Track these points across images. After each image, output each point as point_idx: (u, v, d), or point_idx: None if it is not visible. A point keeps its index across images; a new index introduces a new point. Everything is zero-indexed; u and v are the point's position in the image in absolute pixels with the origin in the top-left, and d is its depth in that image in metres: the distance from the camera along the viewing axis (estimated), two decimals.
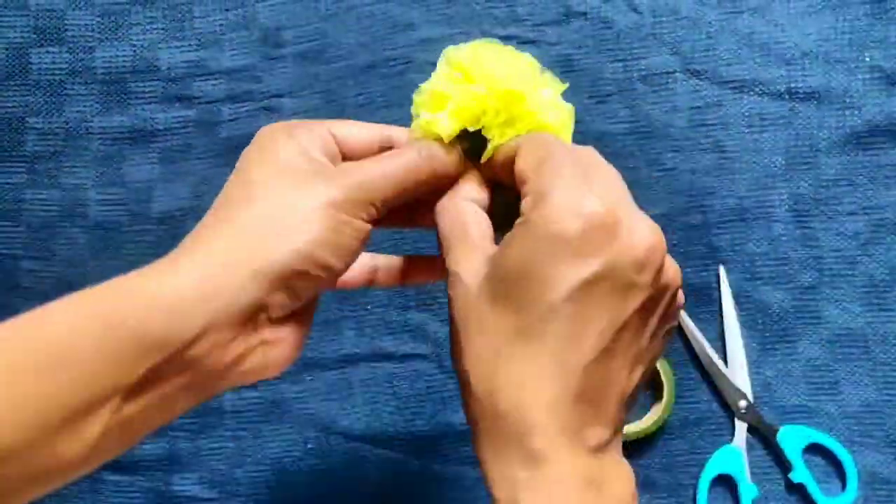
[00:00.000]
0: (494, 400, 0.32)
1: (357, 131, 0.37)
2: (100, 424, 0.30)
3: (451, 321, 0.35)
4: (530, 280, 0.32)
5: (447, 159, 0.37)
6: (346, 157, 0.37)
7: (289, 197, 0.33)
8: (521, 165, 0.35)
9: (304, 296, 0.34)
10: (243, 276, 0.31)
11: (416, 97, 0.39)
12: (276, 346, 0.34)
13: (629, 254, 0.32)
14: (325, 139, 0.36)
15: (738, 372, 0.57)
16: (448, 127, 0.37)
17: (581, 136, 0.60)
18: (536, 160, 0.34)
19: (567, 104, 0.40)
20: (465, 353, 0.34)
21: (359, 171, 0.35)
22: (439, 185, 0.38)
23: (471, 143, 0.38)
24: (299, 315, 0.35)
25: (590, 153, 0.36)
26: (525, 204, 0.33)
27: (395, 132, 0.39)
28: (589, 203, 0.32)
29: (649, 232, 0.33)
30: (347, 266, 0.35)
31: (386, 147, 0.38)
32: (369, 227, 0.35)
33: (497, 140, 0.37)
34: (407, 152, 0.36)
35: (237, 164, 0.36)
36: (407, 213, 0.41)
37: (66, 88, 0.64)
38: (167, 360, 0.30)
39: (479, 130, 0.38)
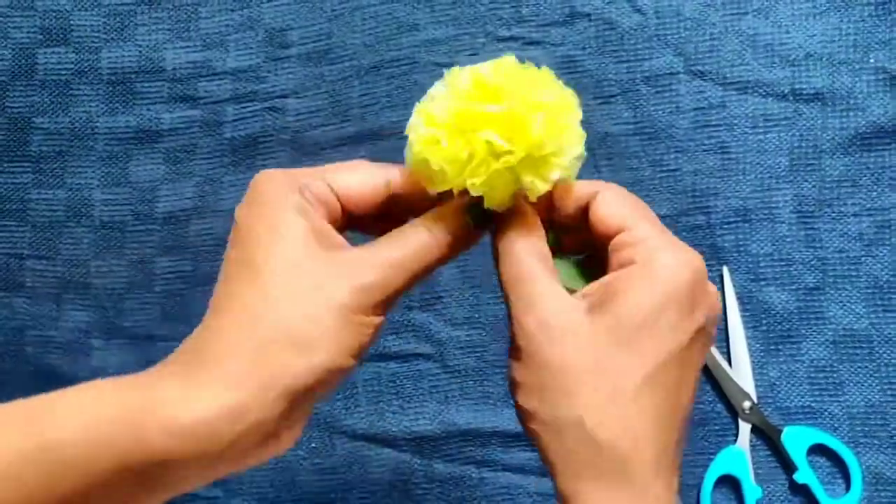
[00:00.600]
0: (612, 437, 0.32)
1: (357, 180, 0.35)
2: None
3: (536, 365, 0.33)
4: (655, 328, 0.32)
5: (462, 233, 0.36)
6: (346, 210, 0.36)
7: (304, 300, 0.31)
8: (613, 213, 0.35)
9: (326, 395, 0.34)
10: (268, 400, 0.30)
11: (415, 132, 0.35)
12: (286, 443, 0.34)
13: (716, 306, 0.35)
14: (323, 198, 0.34)
15: (742, 373, 0.57)
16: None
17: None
18: (630, 210, 0.35)
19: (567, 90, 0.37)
20: (574, 393, 0.32)
21: (370, 268, 0.33)
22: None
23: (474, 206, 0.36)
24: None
25: None
26: (631, 253, 0.34)
27: (395, 176, 0.36)
28: (696, 258, 0.34)
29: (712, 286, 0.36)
30: (356, 364, 0.34)
31: (387, 194, 0.36)
32: (384, 318, 0.34)
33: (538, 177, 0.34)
34: (416, 236, 0.34)
35: (235, 232, 0.34)
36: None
37: (71, 89, 0.64)
38: (182, 473, 0.30)
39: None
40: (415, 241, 0.34)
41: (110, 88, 0.64)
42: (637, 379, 0.32)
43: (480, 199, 0.35)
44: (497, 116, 0.33)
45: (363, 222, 0.37)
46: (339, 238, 0.35)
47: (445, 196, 0.35)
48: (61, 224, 0.64)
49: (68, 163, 0.64)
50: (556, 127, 0.34)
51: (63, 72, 0.64)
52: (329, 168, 0.36)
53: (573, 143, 0.35)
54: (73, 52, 0.64)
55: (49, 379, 0.63)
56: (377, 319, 0.33)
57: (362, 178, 0.36)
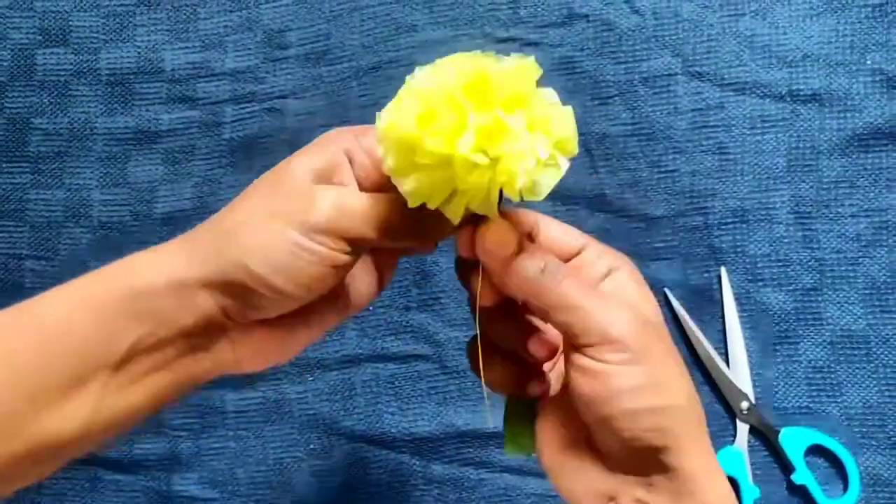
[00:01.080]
0: (699, 409, 0.35)
1: None
2: (89, 401, 0.33)
3: (644, 361, 0.34)
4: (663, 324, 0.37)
5: (435, 218, 0.36)
6: (363, 183, 0.37)
7: (264, 214, 0.34)
8: (566, 234, 0.38)
9: (265, 310, 0.35)
10: (197, 281, 0.34)
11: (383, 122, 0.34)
12: (243, 347, 0.37)
13: None
14: (371, 152, 0.36)
15: (739, 373, 0.57)
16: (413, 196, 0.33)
17: (583, 137, 0.60)
18: (572, 230, 0.39)
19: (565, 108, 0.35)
20: (674, 376, 0.34)
21: (337, 203, 0.34)
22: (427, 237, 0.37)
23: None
24: (280, 324, 0.37)
25: None
26: (608, 263, 0.38)
27: None
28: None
29: None
30: (313, 291, 0.35)
31: None
32: (339, 256, 0.34)
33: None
34: (390, 200, 0.35)
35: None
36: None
37: (70, 89, 0.64)
38: (143, 338, 0.34)
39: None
40: (381, 202, 0.35)
41: (109, 89, 0.64)
42: (677, 354, 0.36)
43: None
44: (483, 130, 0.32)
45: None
46: (343, 184, 0.36)
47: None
48: (60, 224, 0.64)
49: (67, 163, 0.64)
50: (543, 173, 0.33)
51: (62, 72, 0.64)
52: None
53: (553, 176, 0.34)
54: (72, 52, 0.64)
55: None
56: (327, 252, 0.34)
57: None
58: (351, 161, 0.37)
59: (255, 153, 0.63)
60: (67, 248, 0.63)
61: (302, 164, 0.35)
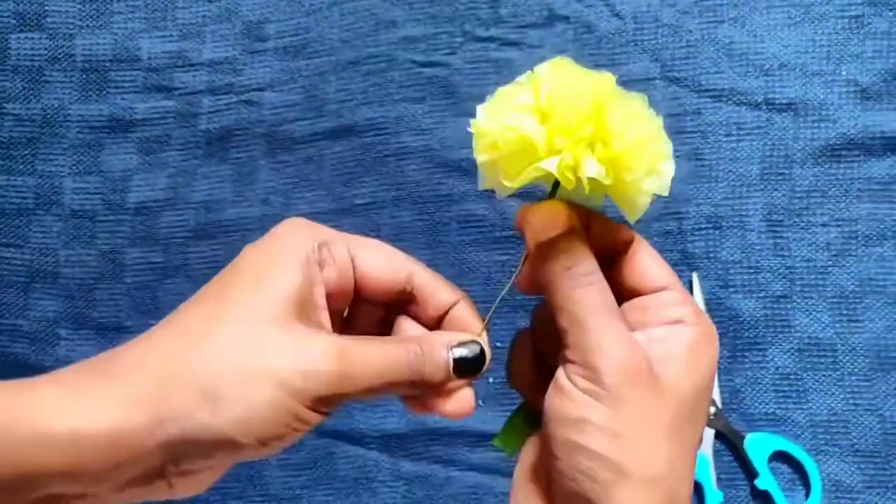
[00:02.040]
0: (687, 493, 0.32)
1: (382, 262, 0.34)
2: None
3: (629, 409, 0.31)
4: (711, 378, 0.34)
5: (439, 368, 0.33)
6: (360, 288, 0.34)
7: (247, 362, 0.29)
8: (658, 268, 0.35)
9: (222, 464, 0.31)
10: (153, 440, 0.28)
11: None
12: (183, 487, 0.32)
13: None
14: (342, 266, 0.33)
15: None
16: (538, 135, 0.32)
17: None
18: (668, 269, 0.35)
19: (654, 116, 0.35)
20: (650, 442, 0.31)
21: (328, 359, 0.30)
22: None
23: None
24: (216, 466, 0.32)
25: None
26: (680, 313, 0.33)
27: (418, 271, 0.35)
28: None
29: None
30: (270, 452, 0.30)
31: (406, 290, 0.34)
32: (318, 418, 0.30)
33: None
34: (395, 350, 0.32)
35: (233, 262, 0.32)
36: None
37: (44, 75, 0.63)
38: (60, 493, 0.28)
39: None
40: (389, 355, 0.31)
41: (84, 76, 0.63)
42: (692, 447, 0.33)
43: (469, 358, 0.33)
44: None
45: (366, 310, 0.35)
46: (322, 317, 0.32)
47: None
48: (30, 212, 0.63)
49: (39, 150, 0.63)
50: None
51: (36, 58, 0.63)
52: (355, 238, 0.34)
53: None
54: (48, 38, 0.64)
55: (15, 368, 0.62)
56: (309, 415, 0.30)
57: (387, 263, 0.34)
58: (323, 261, 0.33)
59: (230, 145, 0.62)
60: (38, 237, 0.63)
61: (279, 288, 0.30)
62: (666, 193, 0.33)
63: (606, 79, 0.33)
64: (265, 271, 0.31)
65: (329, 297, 0.33)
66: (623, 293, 0.35)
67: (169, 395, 0.28)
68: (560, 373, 0.31)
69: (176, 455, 0.29)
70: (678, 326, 0.33)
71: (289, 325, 0.30)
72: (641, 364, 0.31)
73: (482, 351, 0.34)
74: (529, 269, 0.34)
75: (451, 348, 0.33)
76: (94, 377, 0.29)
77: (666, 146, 0.34)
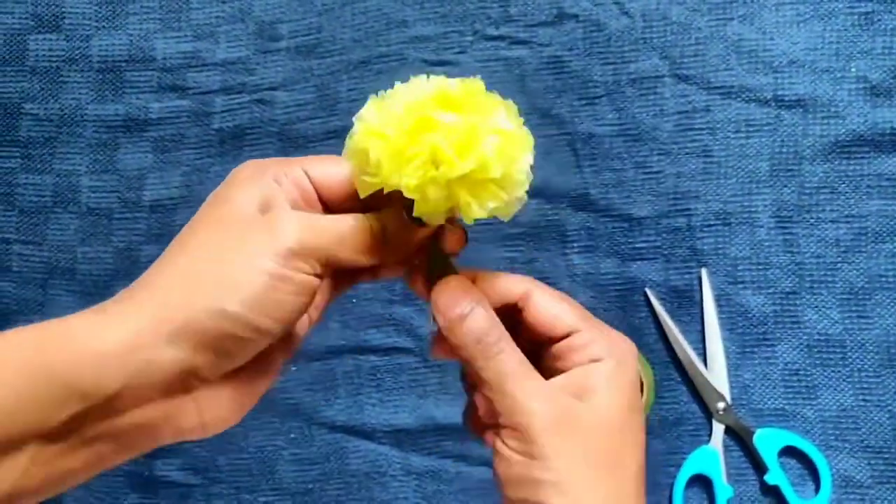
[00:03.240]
0: None
1: (335, 171, 0.35)
2: (18, 467, 0.29)
3: (542, 457, 0.33)
4: (635, 408, 0.35)
5: (401, 234, 0.35)
6: (325, 201, 0.36)
7: (225, 249, 0.31)
8: (557, 316, 0.36)
9: (240, 357, 0.32)
10: (162, 337, 0.30)
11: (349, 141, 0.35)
12: (212, 408, 0.33)
13: None
14: (298, 182, 0.35)
15: (717, 374, 0.58)
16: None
17: (569, 137, 0.61)
18: (570, 310, 0.36)
19: (523, 130, 0.35)
20: (600, 489, 0.34)
21: (305, 223, 0.33)
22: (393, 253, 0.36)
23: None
24: (242, 375, 0.34)
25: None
26: (593, 352, 0.35)
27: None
28: (629, 342, 0.37)
29: None
30: (289, 325, 0.33)
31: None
32: (314, 280, 0.32)
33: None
34: (358, 220, 0.34)
35: (203, 205, 0.35)
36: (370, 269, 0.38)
37: (62, 75, 0.64)
38: (89, 410, 0.30)
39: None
40: (350, 219, 0.34)
41: (100, 76, 0.64)
42: (632, 472, 0.34)
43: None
44: (451, 127, 0.32)
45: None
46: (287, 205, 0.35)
47: (374, 202, 0.35)
48: (48, 209, 0.64)
49: (57, 149, 0.64)
50: (506, 156, 0.33)
51: (54, 58, 0.65)
52: (308, 158, 0.36)
53: (519, 181, 0.34)
54: (65, 39, 0.65)
55: None
56: (303, 278, 0.32)
57: (340, 170, 0.35)
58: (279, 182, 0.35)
59: (243, 144, 0.63)
60: (56, 234, 0.64)
61: (242, 195, 0.33)
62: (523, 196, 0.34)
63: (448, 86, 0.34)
64: (225, 194, 0.34)
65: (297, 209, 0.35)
66: (534, 339, 0.37)
67: (164, 295, 0.31)
68: (497, 440, 0.34)
69: (194, 355, 0.31)
70: (596, 365, 0.35)
71: (257, 215, 0.33)
72: (562, 413, 0.33)
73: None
74: (441, 341, 0.36)
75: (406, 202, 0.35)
76: (112, 303, 0.32)
77: (516, 147, 0.34)
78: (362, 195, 0.34)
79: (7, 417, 0.28)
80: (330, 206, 0.36)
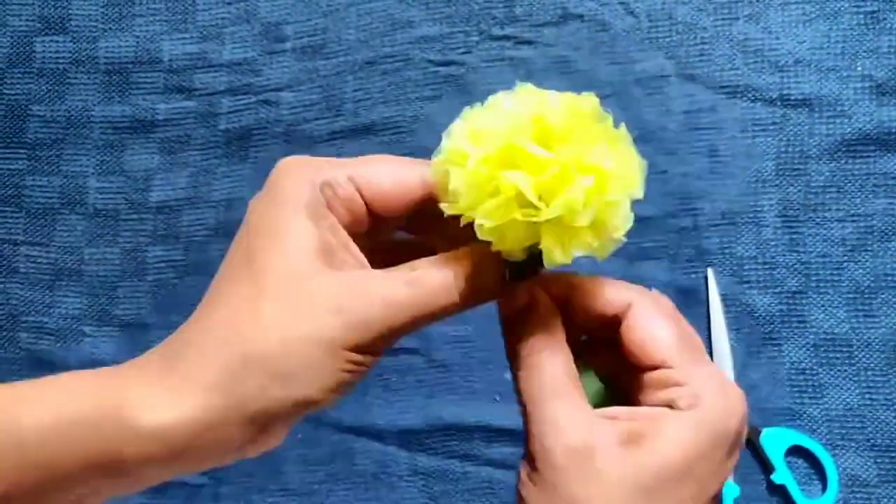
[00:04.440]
0: None
1: (388, 177, 0.32)
2: None
3: (560, 498, 0.29)
4: (694, 479, 0.29)
5: (492, 285, 0.31)
6: (373, 206, 0.32)
7: (292, 325, 0.29)
8: (654, 341, 0.31)
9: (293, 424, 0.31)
10: (235, 417, 0.29)
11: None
12: (247, 453, 0.32)
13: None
14: (350, 200, 0.31)
15: (724, 373, 0.58)
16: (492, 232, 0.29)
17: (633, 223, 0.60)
18: (673, 338, 0.31)
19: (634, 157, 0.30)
20: None
21: (370, 304, 0.29)
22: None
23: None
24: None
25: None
26: (675, 394, 0.30)
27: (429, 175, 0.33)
28: (742, 404, 0.31)
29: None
30: (343, 396, 0.31)
31: (423, 194, 0.32)
32: (377, 358, 0.30)
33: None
34: (435, 276, 0.30)
35: (244, 226, 0.32)
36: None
37: (68, 77, 0.65)
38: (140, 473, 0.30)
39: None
40: (430, 283, 0.30)
41: (107, 78, 0.64)
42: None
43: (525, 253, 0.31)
44: (540, 163, 0.28)
45: (393, 224, 0.34)
46: (352, 255, 0.32)
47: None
48: (55, 211, 0.64)
49: (64, 150, 0.64)
50: (600, 199, 0.28)
51: (60, 60, 0.65)
52: (355, 161, 0.32)
53: (615, 226, 0.29)
54: (71, 41, 0.65)
55: (41, 365, 0.64)
56: (367, 359, 0.30)
57: (394, 175, 0.32)
58: (329, 201, 0.31)
59: (249, 144, 0.63)
60: (63, 235, 0.64)
61: (298, 244, 0.30)
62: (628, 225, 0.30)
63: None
64: (279, 227, 0.30)
65: (345, 225, 0.32)
66: (629, 363, 0.32)
67: (239, 381, 0.29)
68: (522, 464, 0.31)
69: (252, 433, 0.29)
70: (667, 411, 0.30)
71: (322, 278, 0.30)
72: (586, 445, 0.29)
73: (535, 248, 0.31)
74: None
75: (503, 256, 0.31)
76: (170, 369, 0.30)
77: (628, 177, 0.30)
78: (446, 215, 0.30)
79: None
80: (377, 213, 0.33)
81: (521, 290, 0.32)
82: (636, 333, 0.31)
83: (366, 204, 0.32)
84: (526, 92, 0.30)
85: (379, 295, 0.29)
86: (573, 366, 0.31)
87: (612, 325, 0.32)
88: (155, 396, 0.29)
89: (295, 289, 0.29)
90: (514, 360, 0.32)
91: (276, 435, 0.31)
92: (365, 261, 0.32)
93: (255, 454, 0.31)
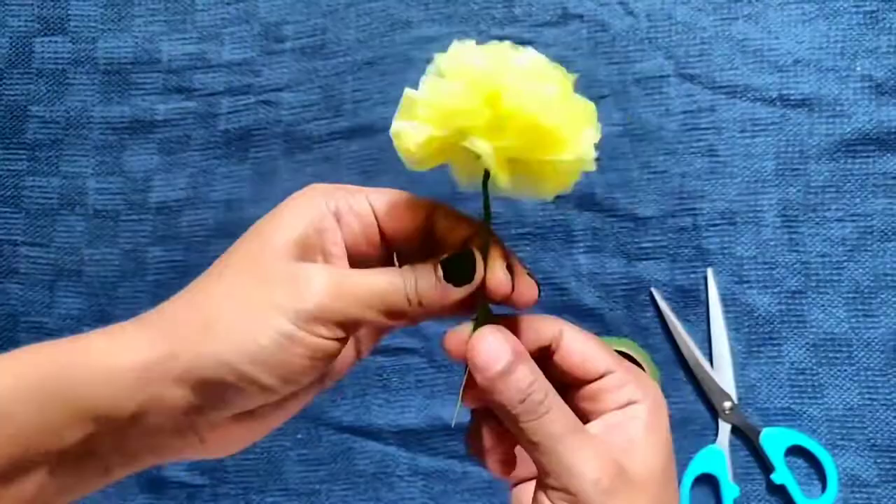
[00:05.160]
0: None
1: (400, 202, 0.34)
2: (33, 485, 0.30)
3: None
4: (667, 478, 0.33)
5: (435, 297, 0.32)
6: (386, 236, 0.34)
7: (245, 298, 0.30)
8: (593, 357, 0.34)
9: (243, 406, 0.31)
10: (170, 374, 0.30)
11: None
12: (216, 439, 0.33)
13: None
14: (361, 215, 0.33)
15: (723, 373, 0.58)
16: (418, 135, 0.30)
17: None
18: (603, 351, 0.34)
19: (584, 100, 0.32)
20: None
21: (331, 284, 0.31)
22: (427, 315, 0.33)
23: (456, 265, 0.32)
24: (253, 413, 0.33)
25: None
26: (627, 395, 0.33)
27: (441, 213, 0.34)
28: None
29: None
30: (297, 385, 0.31)
31: (426, 223, 0.34)
32: (331, 345, 0.31)
33: (491, 151, 0.30)
34: (391, 276, 0.32)
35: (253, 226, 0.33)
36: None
37: (68, 78, 0.65)
38: (103, 431, 0.30)
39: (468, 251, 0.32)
40: (382, 280, 0.32)
41: (106, 78, 0.64)
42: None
43: (458, 256, 0.32)
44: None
45: (401, 249, 0.35)
46: (334, 262, 0.33)
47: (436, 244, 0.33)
48: (55, 212, 0.64)
49: (63, 151, 0.64)
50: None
51: (60, 61, 0.65)
52: (374, 189, 0.34)
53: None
54: (70, 41, 0.65)
55: None
56: (319, 342, 0.30)
57: (406, 201, 0.34)
58: (340, 212, 0.33)
59: (249, 145, 0.63)
60: (62, 236, 0.64)
61: (280, 235, 0.32)
62: (591, 168, 0.31)
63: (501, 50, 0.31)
64: (268, 224, 0.32)
65: (356, 245, 0.34)
66: (566, 381, 0.34)
67: (177, 330, 0.30)
68: (544, 498, 0.32)
69: (198, 398, 0.30)
70: (630, 407, 0.33)
71: (288, 263, 0.31)
72: (615, 473, 0.31)
73: (470, 254, 0.33)
74: (472, 389, 0.34)
75: (441, 258, 0.33)
76: (131, 326, 0.31)
77: (579, 109, 0.31)
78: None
79: (24, 439, 0.29)
80: (390, 241, 0.34)
81: (505, 346, 0.32)
82: (575, 356, 0.34)
83: (379, 226, 0.33)
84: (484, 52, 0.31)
85: (337, 283, 0.31)
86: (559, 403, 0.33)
87: (543, 355, 0.34)
88: (109, 345, 0.30)
89: (258, 268, 0.31)
90: (515, 415, 0.33)
91: (226, 435, 0.32)
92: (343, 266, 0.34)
93: (216, 445, 0.33)
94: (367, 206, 0.33)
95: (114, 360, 0.30)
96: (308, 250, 0.32)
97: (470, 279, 0.32)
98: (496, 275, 0.33)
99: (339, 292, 0.30)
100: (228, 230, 0.62)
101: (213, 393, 0.30)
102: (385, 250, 0.35)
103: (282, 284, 0.30)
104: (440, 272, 0.32)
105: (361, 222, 0.33)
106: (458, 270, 0.32)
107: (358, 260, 0.34)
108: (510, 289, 0.33)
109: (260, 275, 0.31)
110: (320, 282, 0.30)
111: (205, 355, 0.30)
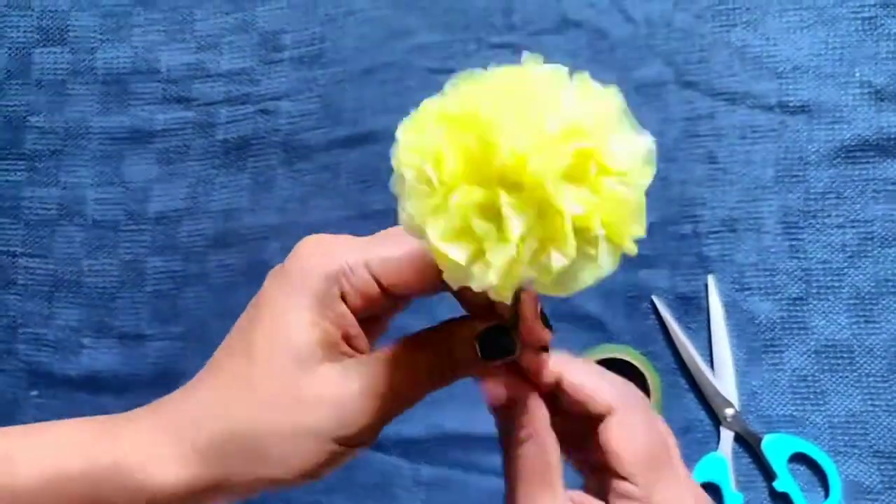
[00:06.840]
0: None
1: (404, 263, 0.32)
2: None
3: None
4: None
5: (475, 369, 0.33)
6: (389, 289, 0.33)
7: (291, 421, 0.31)
8: (626, 454, 0.32)
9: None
10: (217, 495, 0.32)
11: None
12: None
13: None
14: (365, 291, 0.32)
15: (725, 380, 0.58)
16: (496, 260, 0.24)
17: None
18: (643, 455, 0.33)
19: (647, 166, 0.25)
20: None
21: (369, 405, 0.31)
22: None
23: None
24: None
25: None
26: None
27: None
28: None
29: None
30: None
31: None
32: (359, 449, 0.32)
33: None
34: (421, 365, 0.32)
35: (257, 296, 0.32)
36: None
37: (67, 88, 0.65)
38: None
39: None
40: (408, 368, 0.32)
41: (105, 88, 0.64)
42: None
43: (497, 328, 0.31)
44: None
45: (411, 298, 0.35)
46: (354, 345, 0.33)
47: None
48: (54, 222, 0.64)
49: (62, 162, 0.64)
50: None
51: (59, 71, 0.65)
52: (372, 241, 0.33)
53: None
54: (70, 51, 0.65)
55: (39, 376, 0.64)
56: (349, 451, 0.32)
57: (410, 258, 0.32)
58: (343, 290, 0.32)
59: (248, 154, 0.63)
60: (61, 247, 0.64)
61: (301, 336, 0.31)
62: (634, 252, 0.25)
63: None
64: (284, 315, 0.31)
65: (359, 311, 0.33)
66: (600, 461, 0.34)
67: (227, 457, 0.31)
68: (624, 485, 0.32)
69: (236, 498, 0.33)
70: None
71: (316, 374, 0.31)
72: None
73: (507, 330, 0.32)
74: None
75: (477, 335, 0.32)
76: (164, 433, 0.32)
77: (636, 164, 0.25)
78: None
79: None
80: (391, 292, 0.33)
81: (509, 381, 0.33)
82: (611, 443, 0.32)
83: (381, 286, 0.33)
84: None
85: (371, 396, 0.31)
86: (555, 455, 0.32)
87: (591, 420, 0.33)
88: (150, 459, 0.31)
89: (289, 378, 0.31)
90: (502, 444, 0.34)
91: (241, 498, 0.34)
92: (367, 347, 0.34)
93: None
94: (368, 278, 0.32)
95: (152, 481, 0.31)
96: (332, 348, 0.32)
97: (511, 352, 0.32)
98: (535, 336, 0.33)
99: (382, 407, 0.31)
100: (227, 240, 0.62)
101: (248, 492, 0.32)
102: (389, 300, 0.34)
103: (325, 409, 0.31)
104: (478, 350, 0.32)
105: (364, 296, 0.32)
106: (494, 344, 0.32)
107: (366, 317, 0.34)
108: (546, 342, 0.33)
109: (295, 393, 0.31)
110: (359, 404, 0.31)
111: (261, 481, 0.31)
